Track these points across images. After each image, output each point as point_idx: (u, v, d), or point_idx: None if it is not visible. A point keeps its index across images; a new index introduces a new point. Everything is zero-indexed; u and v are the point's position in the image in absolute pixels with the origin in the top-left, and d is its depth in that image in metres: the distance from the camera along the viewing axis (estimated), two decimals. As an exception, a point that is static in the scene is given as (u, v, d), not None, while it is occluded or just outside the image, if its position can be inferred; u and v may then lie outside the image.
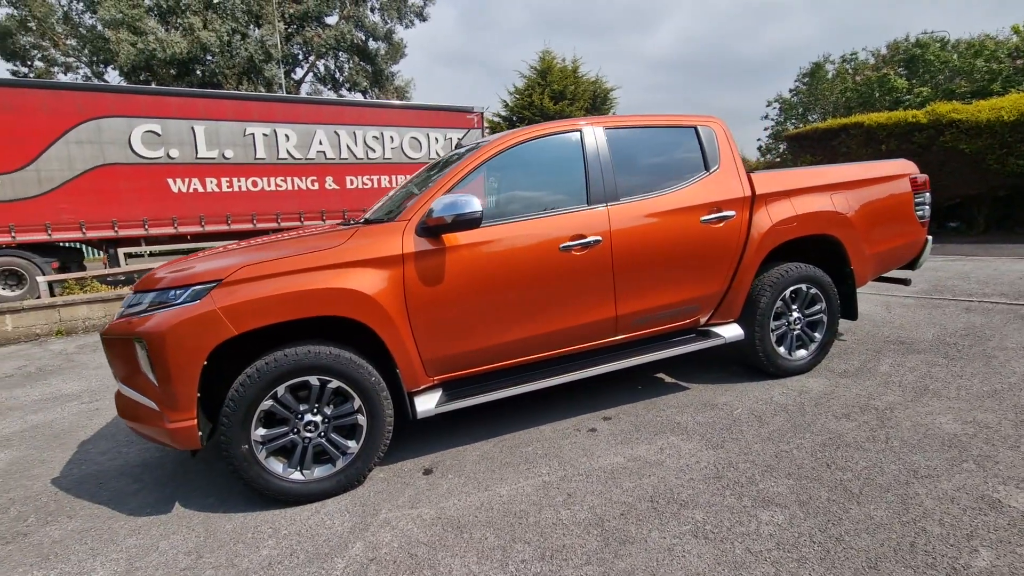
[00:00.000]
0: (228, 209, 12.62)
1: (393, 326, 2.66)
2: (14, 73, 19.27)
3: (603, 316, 3.15)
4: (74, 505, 2.81)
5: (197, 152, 12.53)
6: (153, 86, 18.98)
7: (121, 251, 11.49)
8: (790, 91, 22.45)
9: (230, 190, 12.80)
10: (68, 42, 19.37)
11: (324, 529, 2.41)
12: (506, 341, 2.96)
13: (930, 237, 4.24)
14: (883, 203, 3.92)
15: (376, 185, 15.27)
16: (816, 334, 3.80)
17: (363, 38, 23.86)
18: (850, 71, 19.14)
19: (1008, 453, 2.53)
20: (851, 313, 3.93)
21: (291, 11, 20.99)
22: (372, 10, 24.05)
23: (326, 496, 2.65)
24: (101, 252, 12.11)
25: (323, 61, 24.06)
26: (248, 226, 12.47)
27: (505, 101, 32.23)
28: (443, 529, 2.33)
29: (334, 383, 2.60)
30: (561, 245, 2.97)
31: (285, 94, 20.04)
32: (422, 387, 2.86)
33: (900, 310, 5.26)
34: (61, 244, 11.17)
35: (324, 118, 14.58)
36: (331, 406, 2.65)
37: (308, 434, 2.61)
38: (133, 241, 11.65)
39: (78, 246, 12.35)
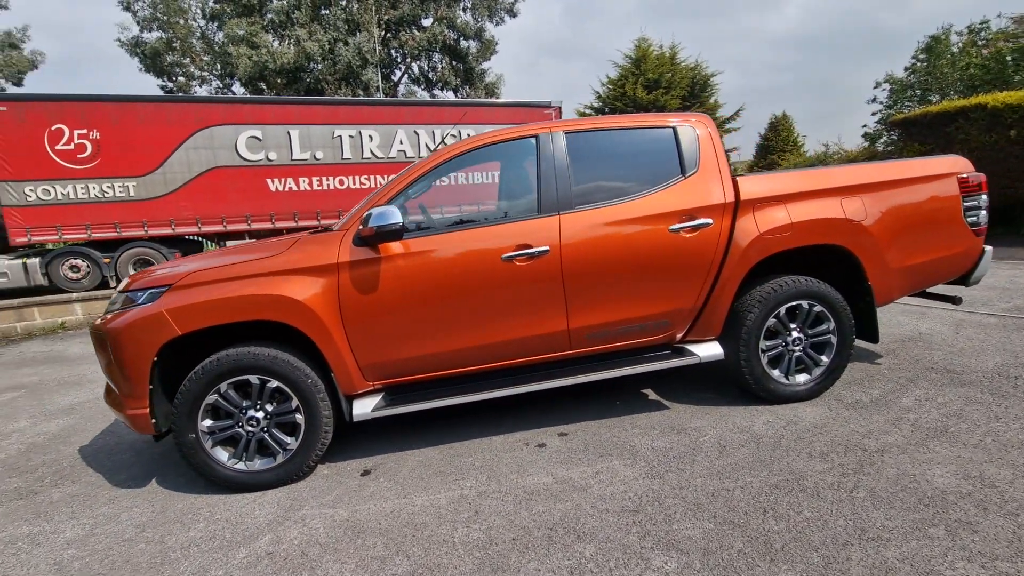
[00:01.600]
0: (318, 205, 13.71)
1: (326, 332, 2.78)
2: (161, 87, 22.50)
3: (553, 329, 3.03)
4: (81, 472, 3.29)
5: (292, 154, 13.72)
6: (254, 95, 21.13)
7: (229, 244, 12.99)
8: (905, 69, 19.42)
9: (320, 188, 13.89)
10: (203, 58, 22.19)
11: (249, 518, 2.61)
12: (448, 351, 2.97)
13: (988, 248, 3.53)
14: (919, 208, 3.34)
15: (452, 181, 15.71)
16: (823, 357, 3.35)
17: (455, 37, 24.60)
18: (980, 43, 16.08)
19: (998, 521, 2.08)
20: (871, 335, 3.41)
21: (387, 17, 22.21)
22: (464, 10, 24.69)
23: (266, 487, 2.85)
24: (215, 244, 13.75)
25: (417, 63, 25.19)
26: (335, 221, 13.57)
27: (598, 92, 31.72)
28: (344, 532, 2.42)
29: (273, 383, 2.78)
30: (504, 255, 2.90)
31: (369, 97, 21.26)
32: (361, 391, 2.96)
33: (971, 331, 4.44)
34: (185, 237, 12.84)
35: (404, 119, 15.27)
36: (273, 404, 2.83)
37: (251, 428, 2.82)
38: (239, 235, 13.09)
39: (197, 239, 14.14)
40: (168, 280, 2.73)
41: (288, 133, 14.04)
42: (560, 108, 16.48)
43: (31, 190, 11.28)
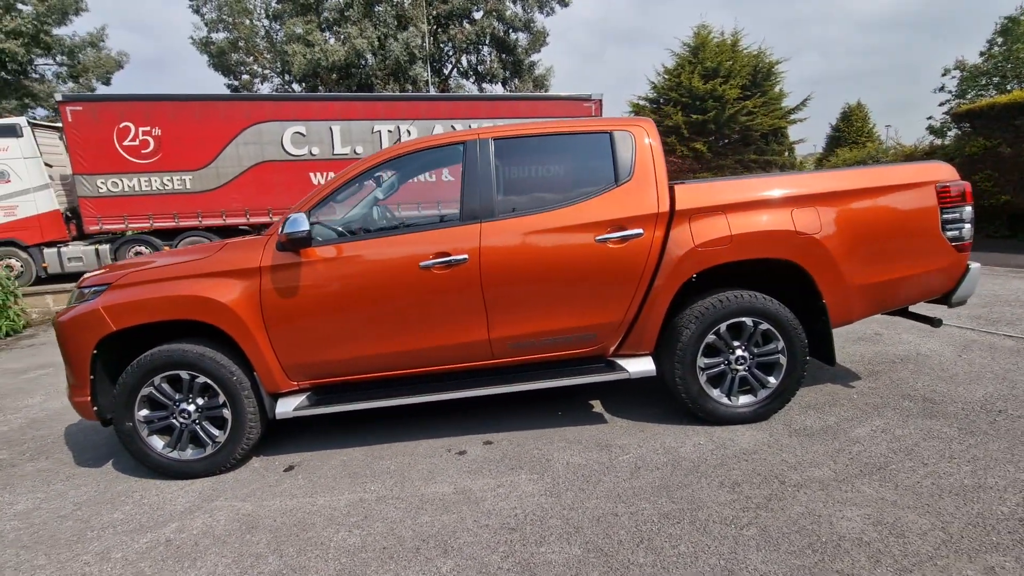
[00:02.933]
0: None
1: (248, 333, 2.90)
2: (228, 85, 23.95)
3: (474, 338, 3.01)
4: (57, 449, 3.62)
5: (333, 149, 14.24)
6: (305, 93, 21.98)
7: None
8: (981, 54, 17.33)
9: (359, 182, 14.32)
10: (265, 57, 23.42)
11: (169, 505, 2.79)
12: (368, 355, 3.02)
13: (974, 265, 3.16)
14: (887, 220, 3.04)
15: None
16: (770, 378, 3.13)
17: (503, 30, 24.55)
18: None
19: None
20: (827, 357, 3.15)
21: (435, 12, 22.47)
22: (513, 1, 24.56)
23: (196, 476, 3.03)
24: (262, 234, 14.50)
25: (466, 56, 25.36)
26: None
27: (653, 82, 30.75)
28: (240, 526, 2.54)
29: (201, 379, 2.94)
30: (421, 263, 2.91)
31: (407, 93, 21.60)
32: (286, 390, 3.07)
33: (977, 354, 3.98)
34: (237, 227, 13.68)
35: (441, 113, 15.46)
36: (204, 398, 3.00)
37: (183, 420, 3.00)
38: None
39: (247, 229, 15.02)
40: (108, 279, 2.95)
41: (330, 129, 14.57)
42: (600, 101, 16.10)
43: (102, 183, 12.34)
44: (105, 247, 12.11)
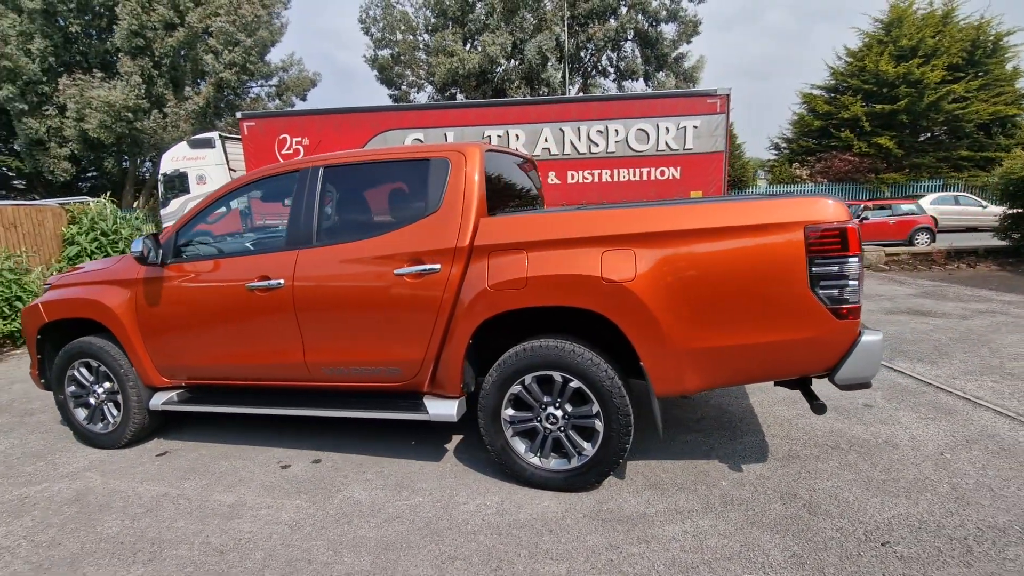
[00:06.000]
0: (465, 201, 14.99)
1: (126, 333, 3.41)
2: (390, 96, 26.89)
3: (293, 360, 3.12)
4: (38, 414, 4.62)
5: (447, 153, 15.20)
6: (416, 102, 23.46)
7: None
8: None
9: (468, 185, 15.15)
10: (421, 69, 25.76)
11: (53, 470, 3.42)
12: (213, 364, 3.33)
13: (871, 338, 2.28)
14: (730, 270, 2.36)
15: (596, 179, 15.51)
16: (587, 445, 2.68)
17: (647, 23, 23.42)
18: None
19: None
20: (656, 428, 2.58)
21: (575, 12, 22.34)
22: (659, -7, 23.27)
23: (101, 447, 3.66)
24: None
25: (605, 54, 24.74)
26: None
27: (832, 67, 26.67)
28: (74, 497, 3.04)
29: (103, 367, 3.55)
30: (248, 285, 3.11)
31: (517, 99, 21.67)
32: (160, 386, 3.53)
33: (968, 452, 2.81)
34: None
35: (550, 116, 15.45)
36: (109, 383, 3.62)
37: (92, 401, 3.65)
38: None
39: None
40: (50, 281, 3.71)
41: (445, 135, 15.50)
42: (727, 96, 14.51)
43: (264, 185, 14.92)
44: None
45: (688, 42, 25.02)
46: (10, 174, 25.62)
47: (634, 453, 3.12)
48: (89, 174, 26.12)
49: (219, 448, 3.57)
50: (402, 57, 25.98)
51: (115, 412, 3.62)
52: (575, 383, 2.62)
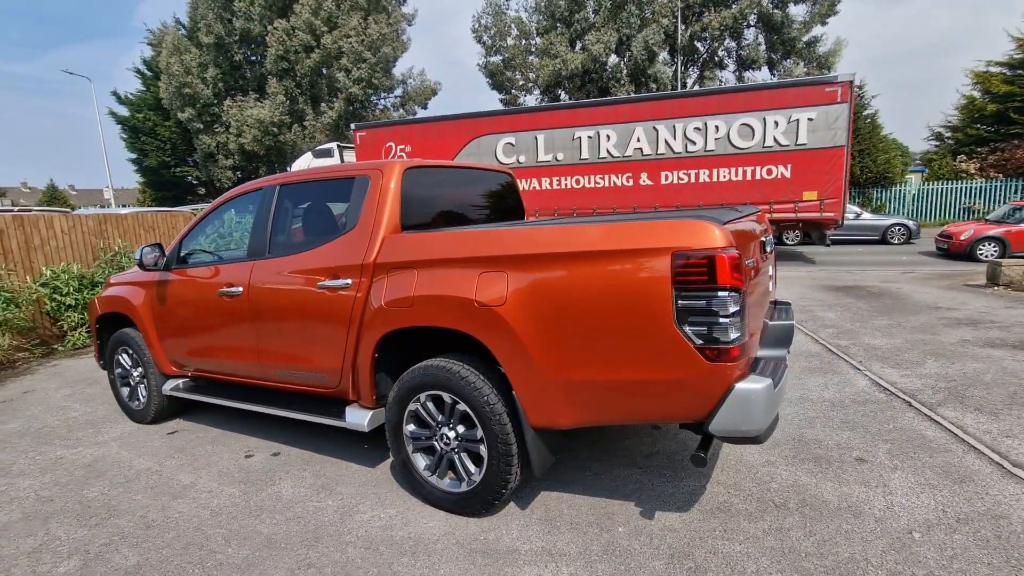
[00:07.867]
0: (555, 203, 15.12)
1: (146, 328, 4.01)
2: (501, 100, 27.64)
3: (251, 360, 3.43)
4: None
5: (537, 156, 15.43)
6: (507, 107, 23.39)
7: None
8: None
9: (558, 187, 15.25)
10: (530, 72, 26.11)
11: (94, 437, 4.13)
12: (203, 359, 3.78)
13: (753, 386, 1.89)
14: (593, 297, 2.13)
15: (693, 180, 14.71)
16: (474, 469, 2.60)
17: (770, 6, 21.30)
18: None
19: None
20: (530, 465, 2.41)
21: (686, 3, 21.05)
22: (788, -30, 21.04)
23: (136, 421, 4.34)
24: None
25: (722, 44, 22.93)
26: (568, 217, 14.71)
27: (1019, 37, 22.22)
28: (89, 462, 3.66)
29: (135, 355, 4.22)
30: (219, 290, 3.49)
31: (608, 98, 20.69)
32: (170, 374, 4.09)
33: (973, 528, 2.20)
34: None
35: (643, 115, 14.95)
36: (139, 369, 4.27)
37: (132, 383, 4.34)
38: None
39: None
40: (111, 279, 4.48)
41: (535, 138, 15.72)
42: (851, 82, 12.87)
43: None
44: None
45: (823, 23, 22.34)
46: (193, 183, 30.91)
47: (557, 483, 2.95)
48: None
49: (213, 432, 4.04)
50: (513, 61, 26.57)
51: (144, 393, 4.27)
52: (461, 406, 2.56)
